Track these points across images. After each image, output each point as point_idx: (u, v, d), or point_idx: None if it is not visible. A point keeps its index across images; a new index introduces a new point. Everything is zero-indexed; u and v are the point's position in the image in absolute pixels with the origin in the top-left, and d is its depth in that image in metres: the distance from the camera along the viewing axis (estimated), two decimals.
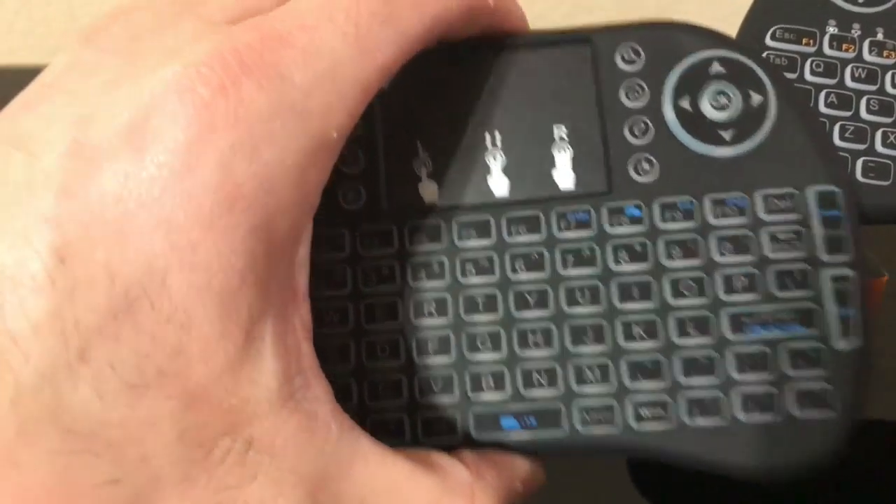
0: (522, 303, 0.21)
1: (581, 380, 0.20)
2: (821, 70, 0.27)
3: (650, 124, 0.22)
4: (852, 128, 0.26)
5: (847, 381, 0.20)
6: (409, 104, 0.22)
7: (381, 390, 0.21)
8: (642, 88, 0.22)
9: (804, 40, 0.27)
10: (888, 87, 0.26)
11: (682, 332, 0.20)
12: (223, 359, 0.16)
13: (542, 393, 0.21)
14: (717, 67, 0.22)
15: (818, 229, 0.21)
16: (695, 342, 0.20)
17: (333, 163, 0.19)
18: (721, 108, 0.21)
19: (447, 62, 0.23)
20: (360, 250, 0.22)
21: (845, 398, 0.20)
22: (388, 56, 0.18)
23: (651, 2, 0.61)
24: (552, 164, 0.22)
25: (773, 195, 0.21)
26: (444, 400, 0.21)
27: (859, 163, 0.26)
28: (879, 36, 0.27)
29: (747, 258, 0.21)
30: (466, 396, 0.21)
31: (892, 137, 0.26)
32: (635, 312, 0.21)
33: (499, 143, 0.22)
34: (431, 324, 0.21)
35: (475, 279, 0.21)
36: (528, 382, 0.21)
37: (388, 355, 0.21)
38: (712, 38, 0.22)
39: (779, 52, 0.27)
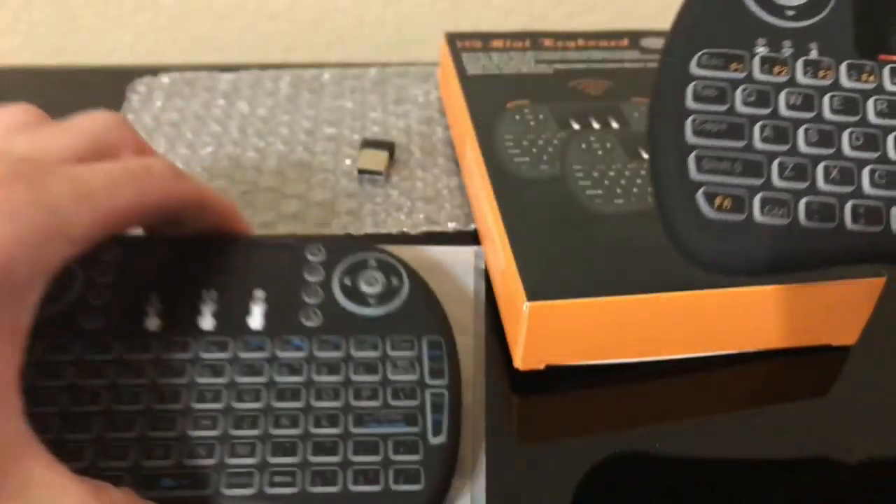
0: (200, 398, 0.28)
1: (234, 454, 0.26)
2: (753, 99, 0.24)
3: (320, 292, 0.30)
4: (791, 164, 0.23)
5: (434, 465, 0.27)
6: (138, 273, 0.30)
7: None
8: (320, 271, 0.31)
9: (732, 66, 0.24)
10: (827, 114, 0.24)
11: (318, 424, 0.27)
12: None
13: (199, 462, 0.26)
14: (370, 261, 0.32)
15: (426, 362, 0.29)
16: (325, 432, 0.27)
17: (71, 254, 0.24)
18: (370, 284, 0.31)
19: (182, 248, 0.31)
20: (95, 367, 0.28)
21: (431, 477, 0.26)
22: (92, 222, 0.24)
23: (649, 2, 0.58)
24: (249, 311, 0.30)
25: (400, 339, 0.29)
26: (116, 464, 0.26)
27: (801, 204, 0.23)
28: (814, 53, 0.24)
29: (375, 378, 0.28)
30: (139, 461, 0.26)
31: (834, 173, 0.23)
32: (286, 410, 0.27)
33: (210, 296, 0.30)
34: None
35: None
36: (191, 455, 0.26)
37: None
38: (364, 246, 0.33)
39: (706, 83, 0.24)
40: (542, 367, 0.32)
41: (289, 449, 0.27)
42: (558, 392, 0.32)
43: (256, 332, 0.29)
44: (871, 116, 0.24)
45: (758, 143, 0.23)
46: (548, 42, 0.45)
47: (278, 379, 0.28)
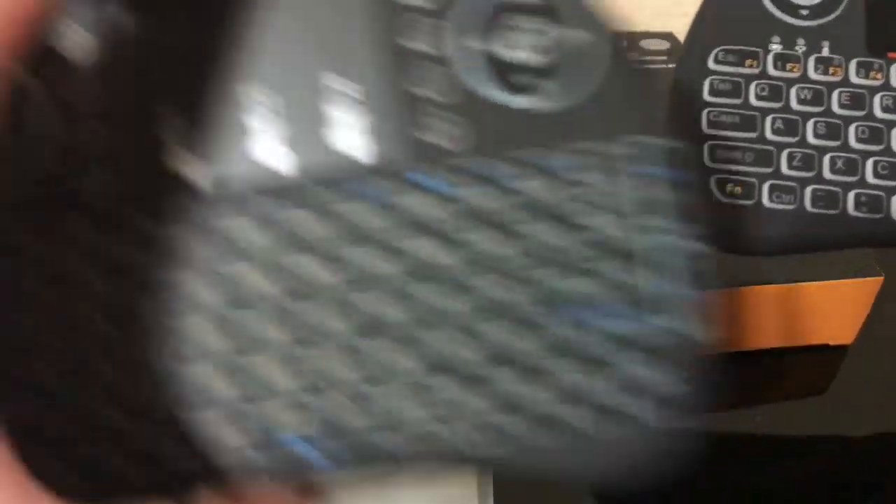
0: (300, 295, 0.17)
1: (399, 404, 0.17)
2: (766, 94, 0.25)
3: (444, 72, 0.18)
4: (800, 154, 0.25)
5: (683, 362, 0.17)
6: (148, 58, 0.18)
7: (140, 415, 0.17)
8: (433, 27, 0.18)
9: (747, 62, 0.26)
10: (835, 108, 0.26)
11: (486, 317, 0.17)
12: None
13: (350, 422, 0.17)
14: (523, 1, 0.18)
15: (633, 189, 0.18)
16: (498, 325, 0.17)
17: None
18: (531, 48, 0.18)
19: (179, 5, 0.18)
20: (96, 245, 0.18)
21: (696, 392, 0.17)
22: None
23: (649, 2, 0.59)
24: (332, 127, 0.18)
25: (588, 150, 0.17)
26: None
27: (808, 191, 0.25)
28: (825, 51, 0.26)
29: (560, 226, 0.17)
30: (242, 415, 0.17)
31: (840, 163, 0.25)
32: (449, 312, 0.17)
33: (265, 102, 0.17)
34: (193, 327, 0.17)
35: (240, 267, 0.17)
36: (318, 393, 0.17)
37: (146, 373, 0.17)
38: None
39: (723, 77, 0.26)
40: None
41: (475, 382, 0.17)
42: None
43: (359, 169, 0.17)
44: (878, 111, 0.25)
45: (769, 135, 0.25)
46: None
47: (407, 249, 0.17)
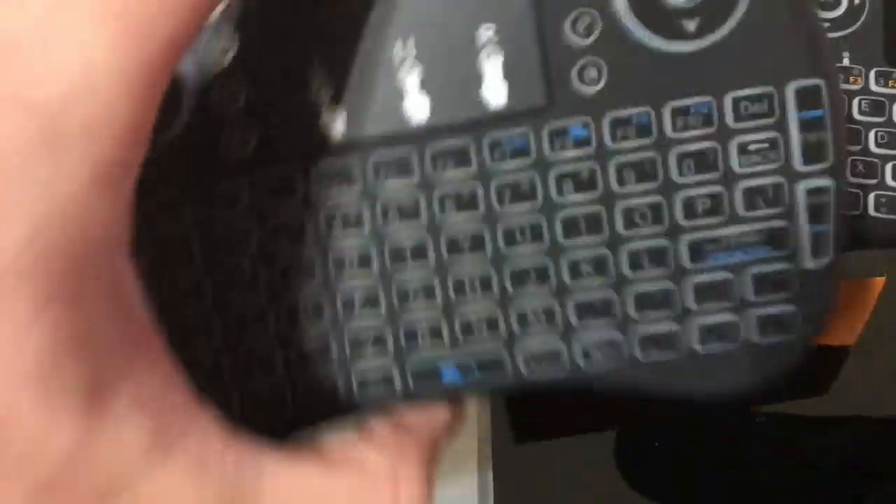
0: (455, 247, 0.19)
1: (525, 324, 0.19)
2: None
3: (597, 17, 0.18)
4: None
5: (812, 301, 0.18)
6: (298, 14, 0.19)
7: (309, 353, 0.19)
8: None
9: None
10: (856, 115, 0.27)
11: (636, 266, 0.18)
12: (68, 439, 0.15)
13: (483, 341, 0.19)
14: None
15: (795, 135, 0.18)
16: (649, 275, 0.18)
17: (134, 174, 0.15)
18: None
19: None
20: (259, 204, 0.19)
21: (809, 318, 0.18)
22: (167, 31, 0.15)
23: None
24: (479, 75, 0.18)
25: (746, 97, 0.18)
26: (379, 358, 0.19)
27: None
28: (846, 61, 0.27)
29: (712, 176, 0.18)
30: (401, 351, 0.19)
31: (860, 167, 0.26)
32: (583, 248, 0.18)
33: (413, 54, 0.18)
34: (355, 280, 0.19)
35: (400, 225, 0.19)
36: (468, 331, 0.19)
37: (311, 318, 0.19)
38: None
39: None
40: None
41: (601, 308, 0.19)
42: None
43: (502, 117, 0.18)
44: None
45: None
46: None
47: (559, 199, 0.18)
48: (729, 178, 0.18)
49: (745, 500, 0.31)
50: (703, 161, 0.18)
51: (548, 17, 0.18)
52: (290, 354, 0.19)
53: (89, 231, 0.15)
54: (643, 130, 0.18)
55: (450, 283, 0.19)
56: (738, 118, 0.18)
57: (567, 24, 0.18)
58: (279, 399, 0.19)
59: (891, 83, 0.27)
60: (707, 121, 0.18)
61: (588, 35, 0.18)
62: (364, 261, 0.19)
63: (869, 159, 0.26)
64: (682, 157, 0.18)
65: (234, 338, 0.19)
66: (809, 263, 0.18)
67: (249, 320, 0.19)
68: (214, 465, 0.17)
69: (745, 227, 0.18)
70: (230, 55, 0.18)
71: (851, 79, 0.27)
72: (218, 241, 0.19)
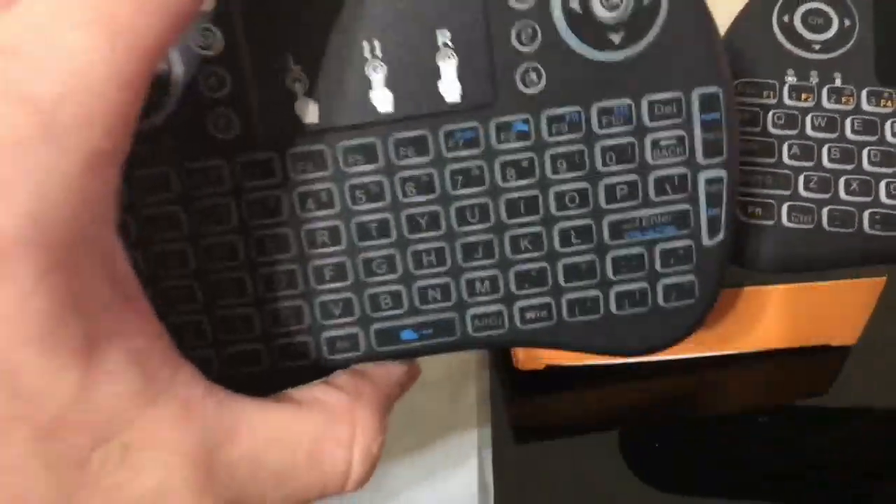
0: (415, 226, 0.22)
1: (472, 292, 0.22)
2: (782, 122, 0.27)
3: (538, 28, 0.21)
4: (816, 177, 0.27)
5: (710, 272, 0.22)
6: (276, 13, 0.21)
7: (283, 318, 0.22)
8: None
9: (765, 93, 0.28)
10: (848, 134, 0.27)
11: (565, 242, 0.22)
12: (68, 388, 0.17)
13: (437, 306, 0.22)
14: None
15: (698, 133, 0.21)
16: (577, 249, 0.22)
17: (123, 159, 0.17)
18: (612, 7, 0.20)
19: None
20: (241, 182, 0.21)
21: (706, 287, 0.22)
22: (151, 30, 0.16)
23: None
24: (437, 74, 0.21)
25: (659, 101, 0.21)
26: (346, 321, 0.22)
27: (825, 212, 0.27)
28: (837, 82, 0.28)
29: (630, 166, 0.21)
30: (367, 316, 0.22)
31: (854, 185, 0.27)
32: (522, 226, 0.22)
33: (379, 52, 0.21)
34: (326, 252, 0.22)
35: (366, 205, 0.21)
36: (424, 299, 0.22)
37: (285, 286, 0.22)
38: None
39: (742, 108, 0.27)
40: (542, 367, 0.32)
41: (536, 277, 0.22)
42: (558, 392, 0.32)
43: (455, 111, 0.21)
44: (889, 136, 0.27)
45: (786, 160, 0.27)
46: None
47: (503, 184, 0.21)
48: (644, 168, 0.21)
49: (746, 500, 0.31)
50: (623, 154, 0.21)
51: (496, 27, 0.21)
52: (265, 319, 0.22)
53: (82, 209, 0.16)
54: (574, 126, 0.21)
55: (409, 257, 0.22)
56: (652, 118, 0.21)
57: (513, 33, 0.21)
58: (255, 359, 0.22)
59: (882, 102, 0.28)
60: (627, 120, 0.21)
61: (530, 43, 0.21)
62: (334, 236, 0.21)
63: (862, 177, 0.27)
64: (605, 150, 0.21)
65: (214, 303, 0.22)
66: (707, 241, 0.22)
67: (229, 287, 0.22)
68: (196, 410, 0.18)
69: (656, 210, 0.21)
70: (217, 47, 0.21)
71: (843, 99, 0.28)
72: (202, 214, 0.21)
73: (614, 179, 0.21)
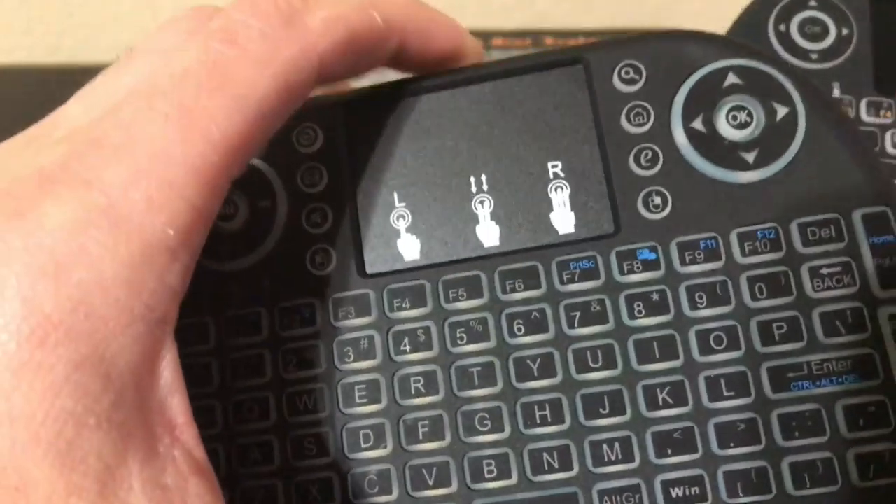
0: (525, 372, 0.18)
1: (599, 459, 0.18)
2: None
3: (659, 152, 0.19)
4: None
5: None
6: (380, 151, 0.20)
7: (368, 484, 0.19)
8: (647, 111, 0.19)
9: None
10: None
11: (715, 395, 0.18)
12: None
13: (554, 477, 0.18)
14: (732, 79, 0.19)
15: (868, 259, 0.18)
16: (731, 405, 0.18)
17: (188, 262, 0.16)
18: (741, 126, 0.19)
19: (416, 99, 0.20)
20: (333, 322, 0.19)
21: None
22: (230, 127, 0.16)
23: (651, 0, 0.60)
24: (549, 206, 0.19)
25: (812, 223, 0.18)
26: (440, 492, 0.18)
27: None
28: (836, 92, 0.27)
29: (786, 300, 0.18)
30: (466, 486, 0.18)
31: None
32: (658, 374, 0.18)
33: (485, 187, 0.20)
34: (420, 403, 0.19)
35: (468, 347, 0.19)
36: (538, 466, 0.18)
37: (371, 444, 0.19)
38: (723, 45, 0.19)
39: None
40: None
41: (681, 441, 0.18)
42: None
43: (571, 241, 0.19)
44: (889, 147, 0.27)
45: None
46: (549, 40, 0.47)
47: (630, 322, 0.18)
48: (804, 303, 0.18)
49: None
50: (775, 284, 0.18)
51: (612, 152, 0.19)
52: (342, 486, 0.19)
53: (131, 303, 0.15)
54: (711, 254, 0.18)
55: (518, 411, 0.18)
56: (806, 244, 0.18)
57: (631, 158, 0.19)
58: None
59: (882, 113, 0.27)
60: (775, 246, 0.18)
61: (652, 167, 0.19)
62: (430, 384, 0.19)
63: None
64: (753, 281, 0.18)
65: (292, 466, 0.19)
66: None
67: (309, 446, 0.19)
68: None
69: (830, 354, 0.17)
70: (323, 184, 0.20)
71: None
72: (289, 357, 0.20)
73: (769, 316, 0.18)
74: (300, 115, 0.20)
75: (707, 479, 0.18)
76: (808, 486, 0.17)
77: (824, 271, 0.18)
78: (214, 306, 0.20)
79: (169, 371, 0.16)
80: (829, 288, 0.18)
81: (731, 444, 0.18)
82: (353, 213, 0.20)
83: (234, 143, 0.16)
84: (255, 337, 0.20)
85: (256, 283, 0.20)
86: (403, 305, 0.19)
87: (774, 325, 0.18)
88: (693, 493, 0.17)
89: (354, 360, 0.19)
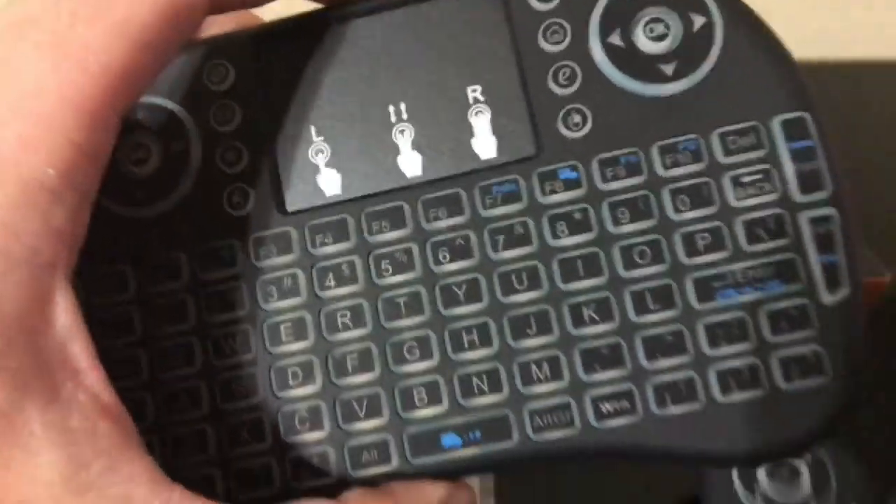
0: (451, 298, 0.18)
1: (528, 379, 0.18)
2: None
3: (577, 69, 0.19)
4: None
5: (839, 339, 0.17)
6: (294, 84, 0.20)
7: (298, 423, 0.19)
8: (564, 28, 0.19)
9: None
10: None
11: (642, 309, 0.18)
12: None
13: (484, 400, 0.18)
14: None
15: (788, 165, 0.18)
16: (657, 318, 0.18)
17: (75, 203, 0.16)
18: (658, 38, 0.18)
19: (329, 30, 0.20)
20: (254, 262, 0.19)
21: (838, 358, 0.17)
22: (109, 58, 0.15)
23: None
24: (470, 131, 0.19)
25: (732, 132, 0.18)
26: (372, 425, 0.18)
27: None
28: None
29: (709, 211, 0.18)
30: (398, 416, 0.18)
31: None
32: (583, 292, 0.18)
33: (405, 116, 0.19)
34: (347, 337, 0.19)
35: (393, 278, 0.19)
36: (468, 390, 0.18)
37: (301, 381, 0.19)
38: None
39: None
40: None
41: (609, 356, 0.18)
42: None
43: (494, 166, 0.19)
44: None
45: None
46: None
47: (554, 242, 0.18)
48: (727, 212, 0.18)
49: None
50: (698, 196, 0.18)
51: (530, 72, 0.19)
52: (275, 426, 0.19)
53: (11, 246, 0.14)
54: (633, 169, 0.18)
55: (447, 338, 0.18)
56: (727, 153, 0.18)
57: (549, 76, 0.19)
58: (266, 478, 0.19)
59: None
60: (697, 157, 0.18)
61: (570, 85, 0.19)
62: (357, 317, 0.19)
63: None
64: (676, 193, 0.18)
65: (221, 409, 0.19)
66: (826, 298, 0.17)
67: (236, 389, 0.19)
68: None
69: (752, 262, 0.17)
70: (236, 122, 0.20)
71: None
72: (211, 300, 0.19)
73: (692, 227, 0.18)
74: (209, 51, 0.20)
75: (637, 393, 0.18)
76: (734, 391, 0.17)
77: (745, 179, 0.18)
78: (132, 254, 0.19)
79: (65, 317, 0.16)
80: (750, 196, 0.18)
81: (659, 356, 0.18)
82: (269, 149, 0.20)
83: (115, 75, 0.15)
84: (176, 282, 0.19)
85: (174, 227, 0.19)
86: (326, 241, 0.19)
87: (698, 237, 0.18)
88: (623, 406, 0.18)
89: (279, 299, 0.19)
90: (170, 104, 0.20)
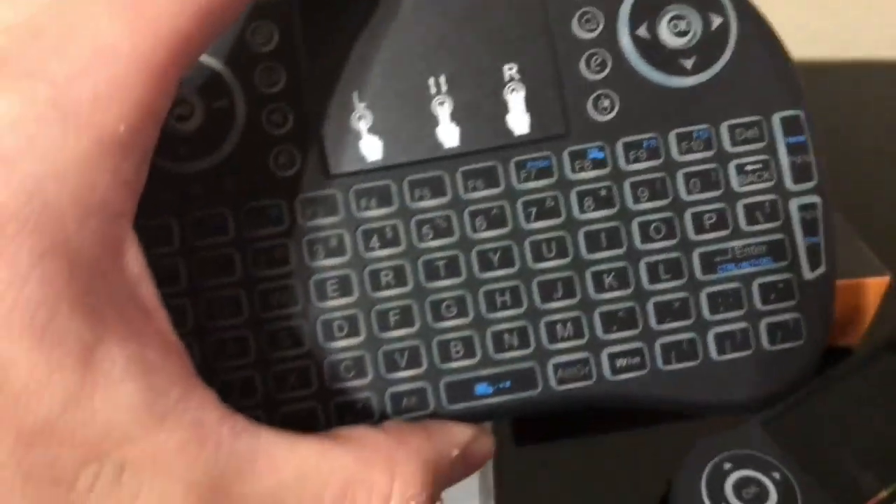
0: (486, 263, 0.20)
1: (553, 337, 0.20)
2: None
3: (608, 56, 0.20)
4: None
5: (815, 309, 0.20)
6: (340, 52, 0.21)
7: (343, 371, 0.20)
8: (597, 18, 0.20)
9: None
10: None
11: (654, 278, 0.20)
12: (61, 391, 0.15)
13: (514, 354, 0.20)
14: None
15: (784, 157, 0.20)
16: (667, 286, 0.20)
17: (140, 158, 0.16)
18: (681, 34, 0.20)
19: (377, 2, 0.21)
20: (300, 221, 0.20)
21: (813, 325, 0.20)
22: (178, 22, 0.16)
23: None
24: (505, 107, 0.20)
25: (739, 125, 0.20)
26: (412, 373, 0.20)
27: None
28: None
29: (715, 193, 0.20)
30: (435, 367, 0.20)
31: None
32: (605, 261, 0.20)
33: (444, 88, 0.21)
34: (390, 294, 0.20)
35: (434, 242, 0.20)
36: (499, 345, 0.20)
37: (346, 334, 0.20)
38: None
39: None
40: None
41: (624, 318, 0.20)
42: None
43: (526, 142, 0.20)
44: None
45: None
46: None
47: (580, 216, 0.20)
48: (731, 196, 0.20)
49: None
50: (707, 180, 0.20)
51: (563, 57, 0.21)
52: (322, 373, 0.20)
53: (88, 194, 0.15)
54: (653, 153, 0.20)
55: (481, 298, 0.20)
56: (734, 143, 0.20)
57: (581, 62, 0.21)
58: (312, 419, 0.20)
59: None
60: (708, 145, 0.20)
61: (601, 71, 0.20)
62: (399, 277, 0.20)
63: None
64: (688, 177, 0.20)
65: (267, 356, 0.20)
66: (808, 274, 0.20)
67: (285, 337, 0.20)
68: (209, 436, 0.16)
69: (750, 241, 0.20)
70: (281, 84, 0.20)
71: None
72: (258, 256, 0.20)
73: (701, 208, 0.20)
74: (255, 12, 0.20)
75: (646, 351, 0.20)
76: (728, 351, 0.20)
77: (748, 168, 0.20)
78: (177, 207, 0.20)
79: (134, 262, 0.17)
80: (751, 182, 0.20)
81: (668, 320, 0.20)
82: (313, 113, 0.20)
83: (183, 39, 0.16)
84: (222, 237, 0.20)
85: (219, 184, 0.20)
86: (370, 205, 0.20)
87: (705, 216, 0.20)
88: (634, 362, 0.20)
89: (325, 258, 0.20)
90: (213, 62, 0.20)
